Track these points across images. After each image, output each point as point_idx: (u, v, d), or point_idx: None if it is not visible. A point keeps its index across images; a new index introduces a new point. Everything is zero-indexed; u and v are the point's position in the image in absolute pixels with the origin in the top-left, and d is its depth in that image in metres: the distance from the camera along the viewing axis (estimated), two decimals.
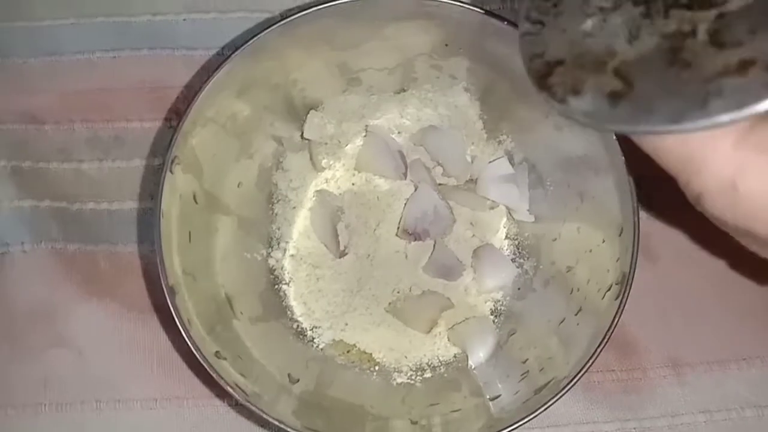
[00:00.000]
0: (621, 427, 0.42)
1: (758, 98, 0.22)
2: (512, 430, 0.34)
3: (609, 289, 0.36)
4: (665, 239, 0.45)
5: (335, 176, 0.45)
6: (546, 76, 0.26)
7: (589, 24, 0.26)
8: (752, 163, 0.24)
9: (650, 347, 0.43)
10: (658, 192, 0.43)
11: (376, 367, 0.42)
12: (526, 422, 0.34)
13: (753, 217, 0.24)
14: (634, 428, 0.42)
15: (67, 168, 0.44)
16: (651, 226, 0.45)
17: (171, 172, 0.36)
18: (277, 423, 0.34)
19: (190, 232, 0.37)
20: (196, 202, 0.38)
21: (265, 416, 0.34)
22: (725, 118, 0.22)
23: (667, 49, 0.24)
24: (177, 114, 0.45)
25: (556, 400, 0.34)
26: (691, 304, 0.44)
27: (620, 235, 0.37)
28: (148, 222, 0.44)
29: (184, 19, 0.47)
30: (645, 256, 0.43)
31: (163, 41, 0.47)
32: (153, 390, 0.41)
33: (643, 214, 0.43)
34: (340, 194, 0.44)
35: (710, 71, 0.22)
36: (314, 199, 0.44)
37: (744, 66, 0.22)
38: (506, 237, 0.44)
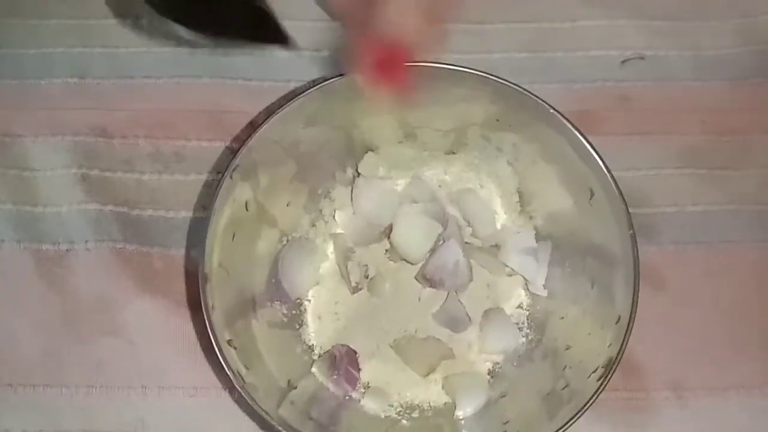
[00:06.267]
0: None
1: None
2: None
3: (595, 371, 0.38)
4: (672, 271, 0.48)
5: None
6: None
7: None
8: None
9: (654, 371, 0.46)
10: (667, 226, 0.48)
11: (370, 397, 0.45)
12: None
13: None
14: None
15: (130, 178, 0.50)
16: (659, 257, 0.48)
17: (231, 177, 0.41)
18: (263, 414, 0.37)
19: (234, 233, 0.42)
20: (247, 209, 0.43)
21: (253, 405, 0.37)
22: None
23: None
24: (231, 135, 0.51)
25: None
26: (694, 332, 0.47)
27: (617, 323, 0.39)
28: (199, 230, 0.48)
29: (242, 53, 0.53)
30: (652, 285, 0.47)
31: (222, 71, 0.52)
32: (195, 379, 0.46)
33: (651, 247, 0.47)
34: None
35: None
36: (331, 242, 0.48)
37: None
38: (518, 306, 0.47)
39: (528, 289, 0.47)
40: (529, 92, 0.42)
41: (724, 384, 0.46)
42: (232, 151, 0.50)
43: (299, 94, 0.42)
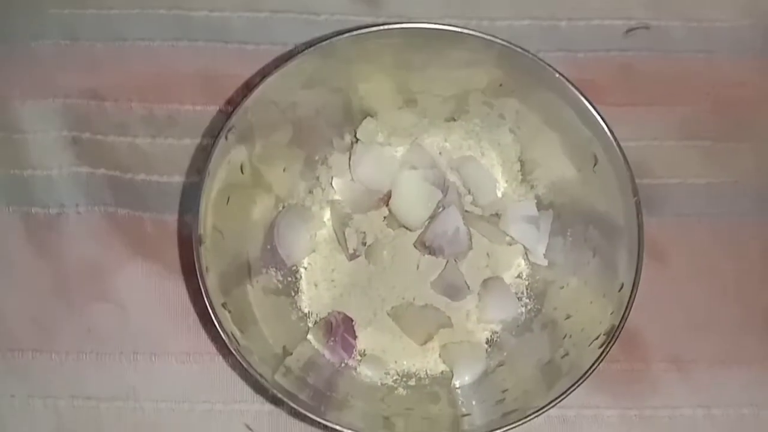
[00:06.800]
0: (622, 414, 0.45)
1: None
2: None
3: (596, 338, 0.38)
4: (675, 243, 0.48)
5: None
6: None
7: None
8: None
9: (655, 343, 0.46)
10: (669, 198, 0.48)
11: (366, 365, 0.44)
12: None
13: None
14: (635, 416, 0.45)
15: (122, 141, 0.49)
16: (661, 229, 0.48)
17: (226, 138, 0.40)
18: (259, 378, 0.36)
19: (229, 196, 0.41)
20: (242, 172, 0.42)
21: (249, 369, 0.36)
22: None
23: None
24: (226, 99, 0.50)
25: (520, 425, 0.36)
26: (695, 305, 0.47)
27: (619, 291, 0.38)
28: (192, 195, 0.47)
29: (239, 16, 0.51)
30: (654, 258, 0.46)
31: (218, 35, 0.51)
32: (187, 345, 0.45)
33: (653, 218, 0.47)
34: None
35: None
36: (329, 209, 0.47)
37: None
38: (518, 276, 0.46)
39: (528, 258, 0.46)
40: (535, 56, 0.41)
41: (725, 357, 0.46)
42: (226, 115, 0.48)
43: (297, 54, 0.41)
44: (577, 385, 0.36)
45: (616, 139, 0.40)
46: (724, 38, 0.53)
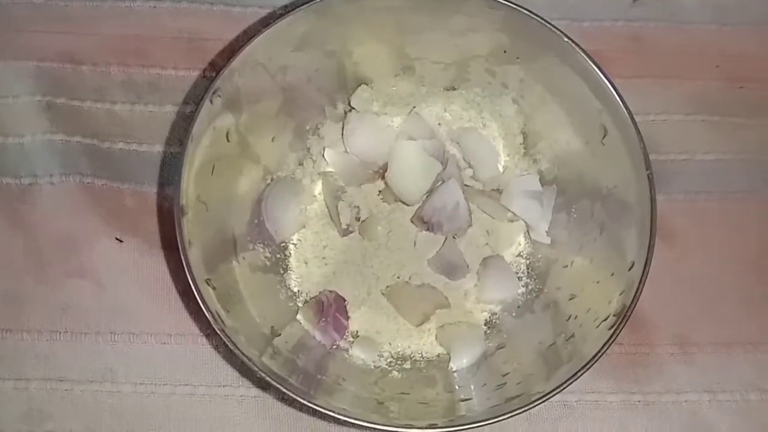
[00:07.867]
0: (625, 399, 0.43)
1: None
2: (471, 428, 0.34)
3: (605, 319, 0.36)
4: (682, 221, 0.46)
5: None
6: None
7: None
8: None
9: (660, 324, 0.44)
10: (677, 175, 0.46)
11: (359, 346, 0.42)
12: (487, 425, 0.33)
13: None
14: (639, 401, 0.43)
15: (100, 108, 0.46)
16: (669, 207, 0.46)
17: (211, 102, 0.37)
18: (246, 360, 0.34)
19: (214, 165, 0.38)
20: (228, 140, 0.39)
21: (234, 350, 0.34)
22: None
23: None
24: (211, 64, 0.47)
25: (524, 411, 0.34)
26: (703, 285, 0.45)
27: (630, 270, 0.36)
28: (174, 166, 0.45)
29: None
30: (660, 236, 0.43)
31: None
32: (168, 326, 0.42)
33: (660, 196, 0.44)
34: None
35: None
36: (320, 181, 0.44)
37: None
38: (519, 254, 0.44)
39: (529, 236, 0.44)
40: (542, 20, 0.38)
41: (731, 339, 0.44)
42: (210, 81, 0.45)
43: (289, 12, 0.38)
44: (586, 368, 0.34)
45: (628, 110, 0.38)
46: (737, 9, 0.51)
